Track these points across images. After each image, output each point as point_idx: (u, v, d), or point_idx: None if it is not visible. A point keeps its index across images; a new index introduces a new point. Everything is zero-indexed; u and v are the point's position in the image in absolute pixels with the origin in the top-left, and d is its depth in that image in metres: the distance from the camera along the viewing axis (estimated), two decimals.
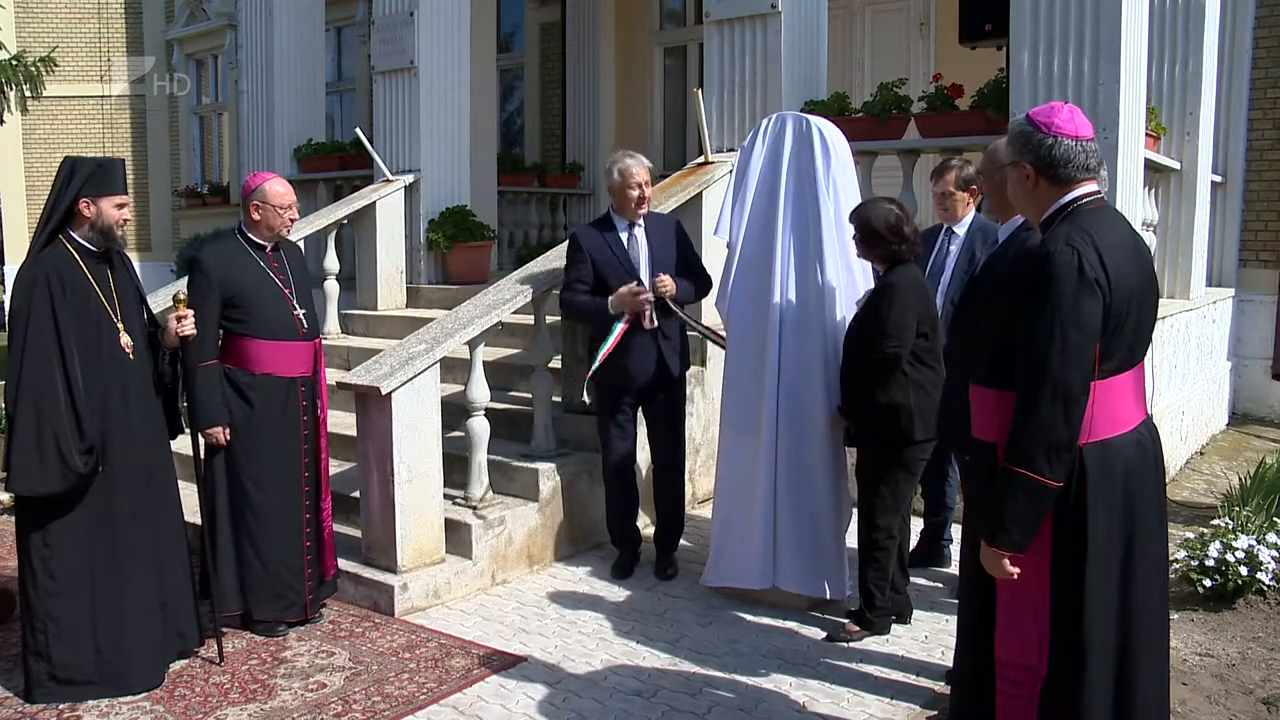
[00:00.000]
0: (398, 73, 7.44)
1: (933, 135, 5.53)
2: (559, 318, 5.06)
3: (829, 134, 4.02)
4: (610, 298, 4.15)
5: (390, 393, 4.00)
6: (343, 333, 6.96)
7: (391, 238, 7.25)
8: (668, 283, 4.19)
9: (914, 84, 6.93)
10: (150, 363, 3.42)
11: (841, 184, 3.96)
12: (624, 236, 4.31)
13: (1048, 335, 2.13)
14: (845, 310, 3.90)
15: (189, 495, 3.73)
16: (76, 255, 3.27)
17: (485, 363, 4.55)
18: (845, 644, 3.63)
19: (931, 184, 4.09)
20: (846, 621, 3.73)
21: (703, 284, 4.41)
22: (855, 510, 3.74)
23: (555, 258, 4.91)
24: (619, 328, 4.16)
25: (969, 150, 5.38)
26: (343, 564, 4.15)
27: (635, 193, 4.25)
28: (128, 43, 13.67)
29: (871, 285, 3.79)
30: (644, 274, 4.27)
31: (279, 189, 3.81)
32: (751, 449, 3.99)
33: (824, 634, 3.72)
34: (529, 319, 5.04)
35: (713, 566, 4.19)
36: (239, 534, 3.75)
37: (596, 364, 4.18)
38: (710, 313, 5.39)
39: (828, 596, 3.93)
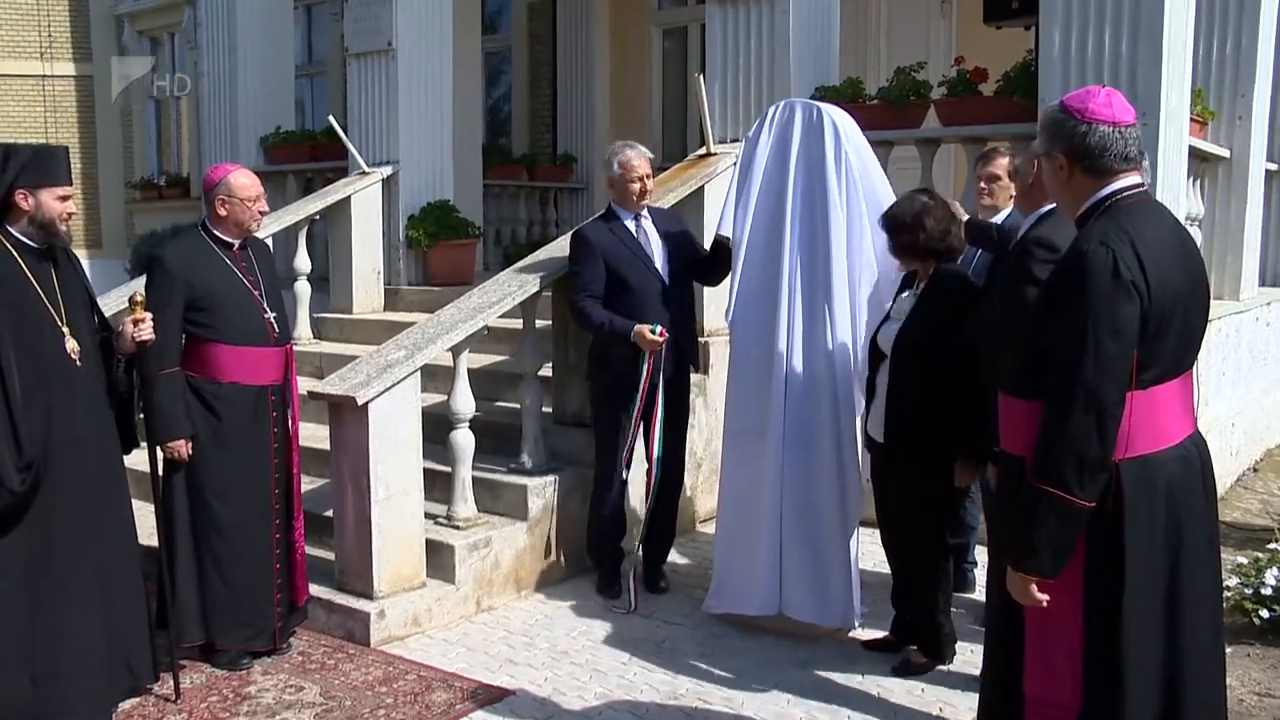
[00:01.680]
0: (374, 55, 7.44)
1: (954, 123, 5.53)
2: (549, 322, 5.06)
3: (842, 124, 4.02)
4: (632, 333, 4.17)
5: (367, 403, 3.99)
6: (315, 338, 6.96)
7: (368, 235, 7.24)
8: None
9: (934, 68, 6.93)
10: (101, 370, 3.36)
11: (859, 179, 3.95)
12: (632, 228, 4.36)
13: (1080, 342, 2.12)
14: (859, 321, 3.88)
15: (145, 515, 3.69)
16: (14, 252, 3.19)
17: (470, 370, 4.55)
18: (914, 678, 3.61)
19: (977, 167, 4.07)
20: (912, 650, 3.71)
21: (715, 265, 4.45)
22: (901, 535, 3.67)
23: (545, 257, 4.91)
24: (647, 368, 4.21)
25: (994, 139, 5.38)
26: (314, 589, 4.13)
27: (637, 185, 4.30)
28: (71, 17, 13.36)
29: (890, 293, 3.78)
30: (659, 265, 4.33)
31: (244, 181, 3.80)
32: (756, 466, 3.98)
33: (890, 667, 3.70)
34: (517, 323, 5.03)
35: (716, 592, 4.18)
36: (201, 555, 3.72)
37: (641, 383, 4.19)
38: (712, 319, 5.39)
39: (837, 627, 3.91)
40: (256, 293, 3.80)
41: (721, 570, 4.15)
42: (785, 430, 3.91)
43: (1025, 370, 2.31)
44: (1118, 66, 4.76)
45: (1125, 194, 2.27)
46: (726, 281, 4.29)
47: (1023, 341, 2.32)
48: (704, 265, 4.54)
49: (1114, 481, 2.21)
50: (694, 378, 5.23)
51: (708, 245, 5.12)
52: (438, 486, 4.58)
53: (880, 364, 3.62)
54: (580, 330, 4.59)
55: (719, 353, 5.22)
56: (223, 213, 3.79)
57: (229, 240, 3.82)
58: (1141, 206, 2.27)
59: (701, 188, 5.41)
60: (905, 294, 3.67)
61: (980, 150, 5.44)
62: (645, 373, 4.21)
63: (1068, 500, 2.15)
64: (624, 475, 4.41)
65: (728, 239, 4.20)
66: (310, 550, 4.36)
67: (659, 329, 4.17)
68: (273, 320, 3.81)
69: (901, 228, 3.53)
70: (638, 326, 4.19)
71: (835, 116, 4.03)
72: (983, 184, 3.95)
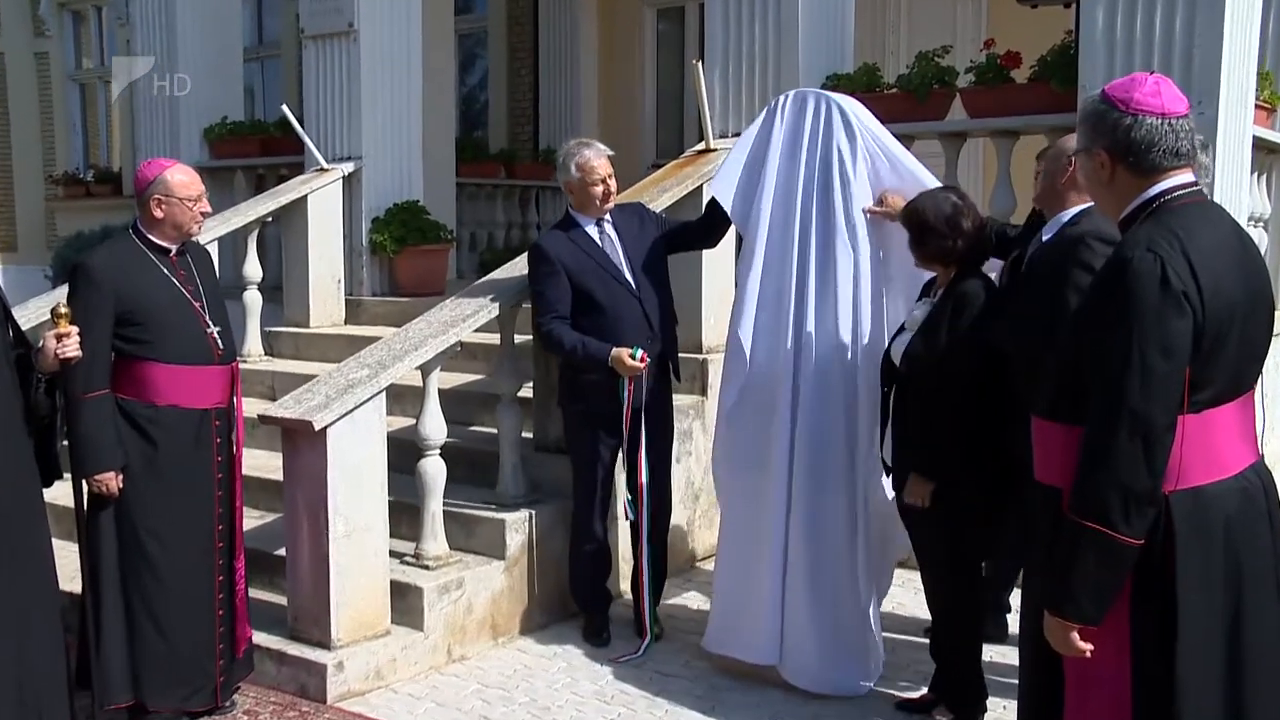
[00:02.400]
0: (333, 37, 7.45)
1: (983, 114, 5.55)
2: (529, 337, 5.04)
3: (857, 117, 4.03)
4: (610, 357, 4.17)
5: (325, 428, 3.98)
6: (266, 355, 6.94)
7: (326, 239, 7.24)
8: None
9: (960, 52, 6.95)
10: (17, 392, 3.25)
11: (884, 177, 3.96)
12: (595, 235, 4.35)
13: (1124, 360, 2.11)
14: (872, 333, 3.88)
15: (67, 558, 3.64)
16: None
17: (441, 391, 4.54)
18: None
19: (1038, 164, 4.06)
20: (938, 708, 3.69)
21: (712, 226, 4.49)
22: (939, 582, 3.66)
23: (525, 265, 4.90)
24: (627, 394, 4.20)
25: (1029, 133, 5.40)
26: (263, 639, 4.10)
27: (600, 188, 4.30)
28: None
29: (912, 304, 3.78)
30: (629, 275, 4.33)
31: (183, 178, 3.77)
32: (759, 499, 3.97)
33: None
34: (494, 338, 5.02)
35: (714, 629, 4.17)
36: (132, 603, 3.66)
37: (624, 408, 4.18)
38: (712, 333, 5.38)
39: (843, 693, 3.89)
40: (197, 304, 3.77)
41: (720, 610, 4.14)
42: (794, 459, 3.90)
43: (1063, 391, 2.30)
44: (1171, 48, 4.74)
45: (1176, 194, 2.26)
46: (730, 296, 4.29)
47: (1063, 355, 2.31)
48: (695, 233, 4.57)
49: (1164, 516, 2.19)
50: (691, 400, 5.24)
51: (708, 253, 5.13)
52: (404, 521, 4.56)
53: (894, 381, 3.64)
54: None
55: (718, 370, 5.21)
56: (159, 214, 3.76)
57: (165, 245, 3.79)
58: (1195, 208, 2.26)
59: (700, 187, 5.41)
60: (921, 302, 3.67)
61: (1011, 144, 5.49)
62: (626, 400, 4.20)
63: (1111, 537, 2.14)
64: (605, 509, 4.39)
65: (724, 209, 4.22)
66: (259, 594, 4.33)
67: (639, 353, 4.16)
68: (216, 335, 3.79)
69: (932, 231, 3.52)
70: (615, 350, 4.17)
71: (851, 110, 4.03)
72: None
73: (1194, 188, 2.29)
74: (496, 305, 4.64)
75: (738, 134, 5.78)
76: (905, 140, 5.62)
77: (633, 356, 4.15)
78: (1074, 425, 2.26)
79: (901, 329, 3.70)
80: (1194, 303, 2.13)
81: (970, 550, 3.56)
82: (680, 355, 4.71)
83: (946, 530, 3.50)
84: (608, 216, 4.38)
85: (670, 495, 4.61)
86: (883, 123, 4.24)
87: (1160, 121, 2.25)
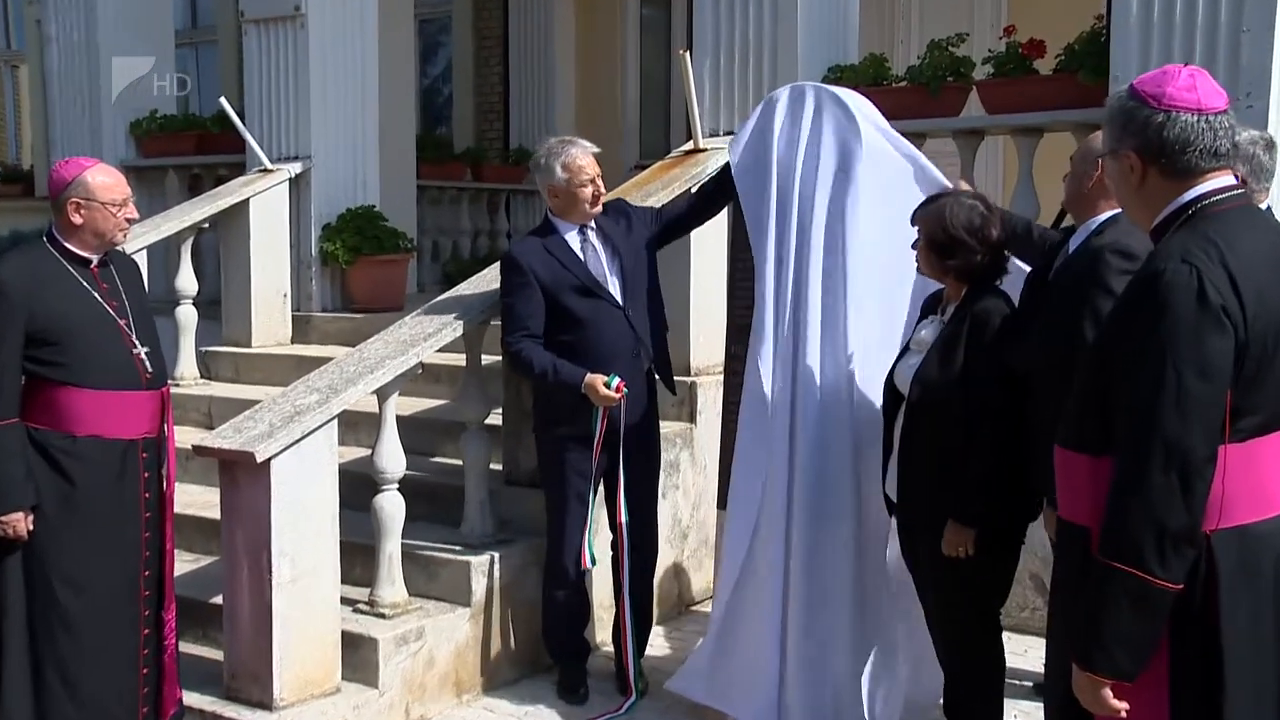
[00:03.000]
0: (278, 21, 7.46)
1: (1003, 110, 5.59)
2: (498, 358, 5.03)
3: (860, 112, 4.05)
4: (582, 384, 4.17)
5: (268, 460, 3.96)
6: (203, 378, 6.92)
7: (271, 248, 7.23)
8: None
9: (978, 40, 7.00)
10: None
11: (890, 179, 3.97)
12: (577, 244, 4.34)
13: (1157, 384, 2.12)
14: (881, 356, 3.90)
15: None
16: None
17: (400, 418, 4.53)
18: None
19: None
20: None
21: (705, 204, 4.57)
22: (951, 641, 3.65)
23: (495, 277, 4.90)
24: (599, 425, 4.20)
25: (1053, 130, 5.43)
26: (195, 700, 4.06)
27: (589, 190, 4.29)
28: None
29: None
30: (614, 284, 4.32)
31: (105, 180, 3.75)
32: (757, 539, 3.97)
33: None
34: (459, 359, 5.01)
35: (693, 673, 4.16)
36: (41, 659, 3.58)
37: (595, 443, 4.19)
38: (702, 352, 5.39)
39: None
40: (122, 322, 3.75)
41: (710, 654, 4.12)
42: (792, 495, 3.89)
43: (1088, 419, 2.30)
44: (1215, 34, 4.76)
45: (1214, 199, 2.27)
46: (721, 311, 4.29)
47: (1088, 379, 2.31)
48: (695, 211, 4.59)
49: (1205, 558, 2.19)
50: (678, 427, 5.24)
51: (696, 269, 5.11)
52: (358, 564, 4.54)
53: (898, 409, 3.62)
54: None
55: (710, 395, 5.22)
56: (77, 220, 3.74)
57: (85, 255, 3.77)
58: (1237, 214, 2.26)
59: (688, 190, 5.41)
60: (928, 320, 3.66)
61: (1034, 143, 5.53)
62: (599, 429, 4.20)
63: (1146, 582, 2.14)
64: (582, 549, 4.38)
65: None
66: (190, 648, 4.30)
67: (615, 381, 4.15)
68: (144, 357, 3.76)
69: (960, 245, 3.49)
70: (589, 378, 4.16)
71: (855, 105, 4.05)
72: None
73: (1235, 191, 2.29)
74: (462, 322, 4.63)
75: (730, 132, 5.80)
76: (916, 139, 5.65)
77: (607, 385, 4.15)
78: (1100, 456, 2.26)
79: (905, 350, 3.69)
80: (1235, 319, 2.13)
81: (989, 596, 3.56)
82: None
83: (962, 576, 3.49)
84: (592, 222, 4.38)
85: (657, 533, 4.60)
86: (890, 120, 4.27)
87: (1196, 118, 2.25)
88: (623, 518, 4.29)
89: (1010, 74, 5.56)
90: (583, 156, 4.28)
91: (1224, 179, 2.29)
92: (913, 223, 3.63)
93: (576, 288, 4.26)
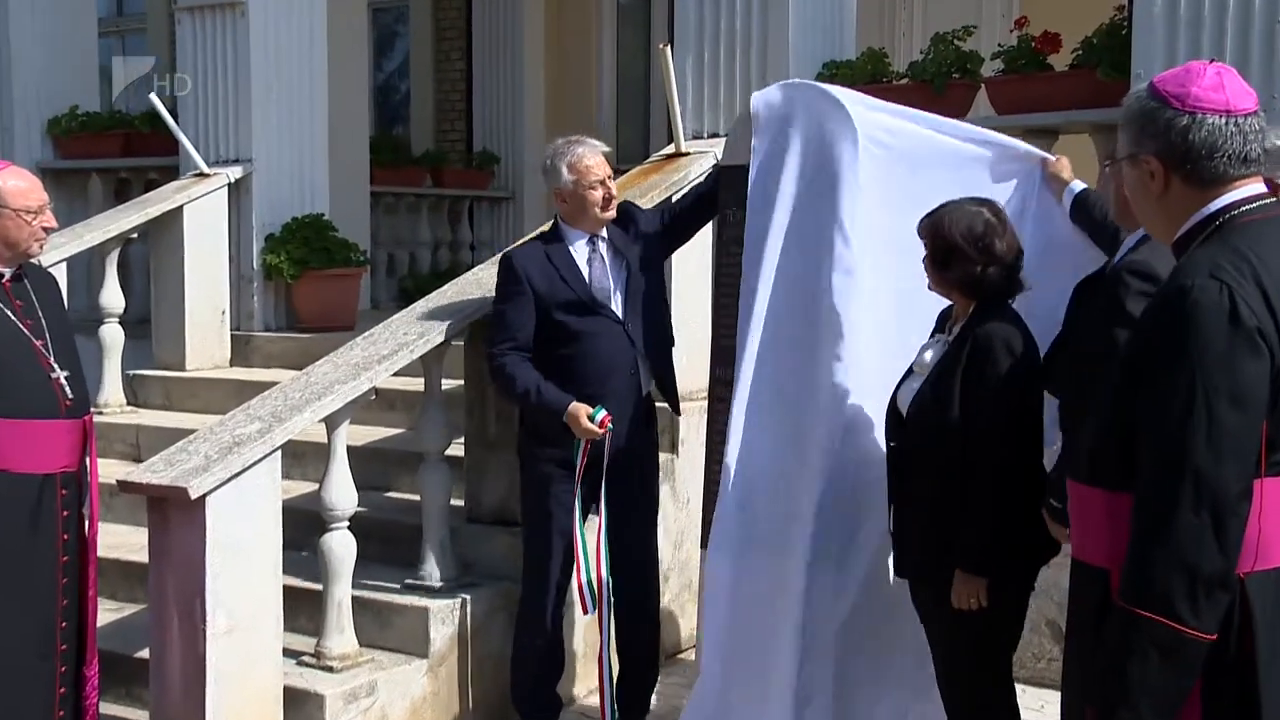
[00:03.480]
0: (215, 9, 7.46)
1: (1014, 109, 5.62)
2: (460, 382, 5.02)
3: (859, 107, 4.07)
4: (564, 414, 4.18)
5: (204, 496, 3.94)
6: (130, 405, 6.88)
7: (207, 261, 7.21)
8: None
9: (986, 33, 7.05)
10: None
11: (901, 177, 3.99)
12: (582, 255, 4.36)
13: (1185, 413, 2.11)
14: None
15: None
16: None
17: (351, 449, 4.52)
18: None
19: (1104, 169, 4.09)
20: None
21: (706, 206, 4.61)
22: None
23: (457, 294, 4.90)
24: (580, 460, 4.22)
25: (1070, 131, 5.47)
26: None
27: (598, 193, 4.31)
28: None
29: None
30: (619, 302, 4.34)
31: (18, 184, 3.74)
32: (768, 591, 3.95)
33: None
34: (417, 384, 5.00)
35: None
36: None
37: (576, 475, 4.19)
38: (686, 376, 5.39)
39: None
40: (39, 343, 3.74)
41: (712, 710, 4.08)
42: (815, 541, 3.88)
43: (1106, 449, 2.31)
44: (1249, 25, 4.79)
45: (1244, 209, 2.28)
46: (705, 332, 4.31)
47: (1105, 406, 2.32)
48: (696, 213, 4.64)
49: (1240, 603, 2.20)
50: (660, 459, 5.23)
51: (679, 288, 5.12)
52: (303, 612, 4.52)
53: (900, 436, 3.64)
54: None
55: (694, 423, 5.22)
56: None
57: None
58: (1269, 225, 2.26)
59: (669, 198, 5.43)
60: (934, 340, 3.67)
61: (1049, 146, 5.55)
62: (580, 462, 4.21)
63: (1177, 631, 2.13)
64: (562, 593, 4.37)
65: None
66: (115, 709, 4.27)
67: (601, 414, 4.16)
68: (63, 381, 3.75)
69: (957, 253, 3.50)
70: (572, 406, 4.17)
71: (849, 100, 4.07)
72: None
73: (1267, 200, 2.30)
74: (421, 343, 4.62)
75: (714, 134, 5.84)
76: None
77: (591, 418, 4.15)
78: (1117, 491, 2.26)
79: (909, 373, 3.70)
80: (1271, 341, 2.14)
81: (1000, 648, 3.56)
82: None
83: (969, 628, 3.49)
84: (603, 231, 4.39)
85: (656, 575, 4.57)
86: None
87: (1224, 120, 2.26)
88: (601, 572, 4.26)
89: (1022, 70, 5.61)
90: (591, 156, 4.31)
91: (1254, 187, 2.30)
92: (919, 233, 3.64)
93: (573, 303, 4.28)
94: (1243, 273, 2.15)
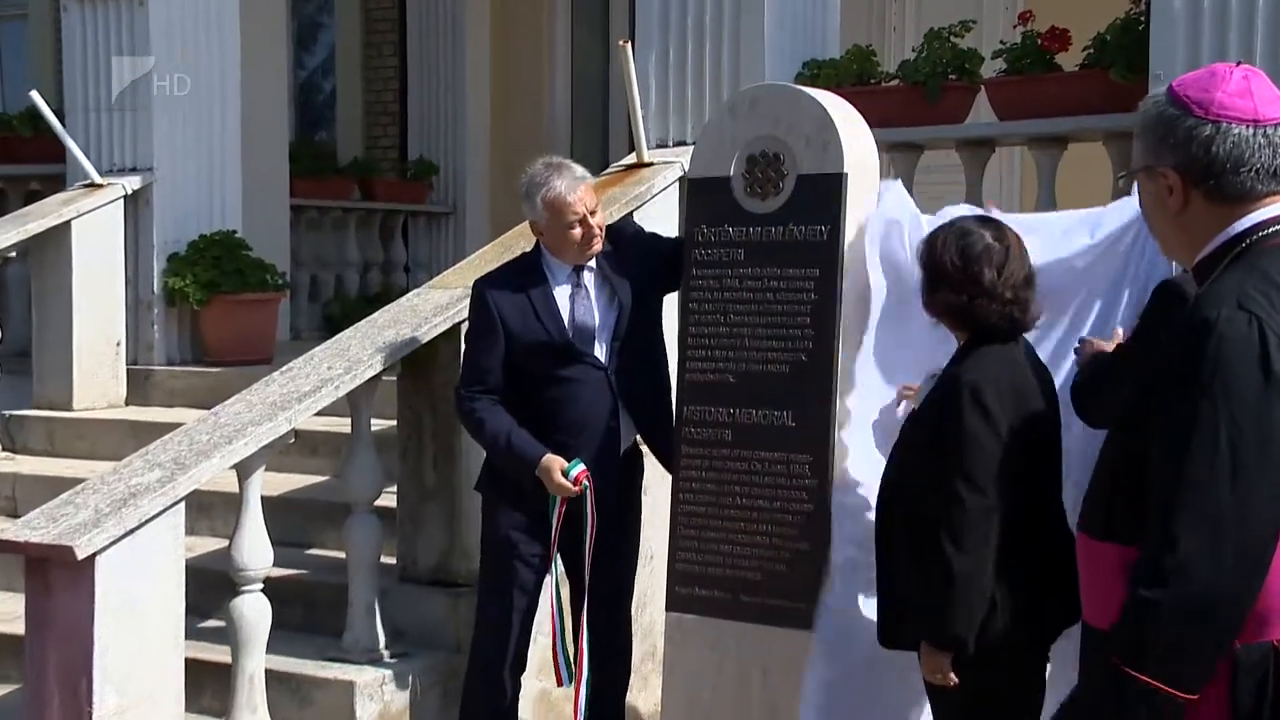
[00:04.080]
0: None
1: (1017, 114, 5.68)
2: (393, 422, 5.01)
3: (854, 139, 4.12)
4: (538, 467, 4.19)
5: (93, 556, 3.90)
6: (6, 450, 6.84)
7: (100, 285, 7.18)
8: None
9: (987, 30, 7.13)
10: None
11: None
12: (561, 290, 4.34)
13: (1207, 459, 2.14)
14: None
15: None
16: None
17: (267, 500, 4.50)
18: None
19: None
20: None
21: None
22: None
23: (390, 323, 4.89)
24: (556, 519, 4.22)
25: (1080, 139, 5.53)
26: None
27: (577, 232, 4.28)
28: None
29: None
30: (602, 344, 4.34)
31: None
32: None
33: None
34: (343, 424, 5.00)
35: None
36: None
37: (551, 537, 4.21)
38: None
39: None
40: None
41: None
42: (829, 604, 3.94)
43: (1119, 498, 2.34)
44: (1278, 20, 4.86)
45: (1273, 229, 2.30)
46: (671, 366, 4.33)
47: (1119, 449, 2.34)
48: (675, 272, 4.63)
49: (1275, 674, 2.22)
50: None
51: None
52: (208, 688, 4.49)
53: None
54: (460, 432, 4.59)
55: (659, 468, 5.21)
56: None
57: None
58: None
59: (630, 215, 5.45)
60: (932, 378, 3.70)
61: (1057, 156, 5.62)
62: (556, 521, 4.21)
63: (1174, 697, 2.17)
64: (519, 663, 4.35)
65: None
66: None
67: (576, 470, 4.18)
68: None
69: (942, 277, 3.53)
70: (546, 458, 4.18)
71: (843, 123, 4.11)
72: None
73: None
74: (348, 378, 4.61)
75: (681, 142, 5.86)
76: (910, 150, 5.77)
77: (566, 474, 4.16)
78: (1132, 546, 2.28)
79: (911, 413, 3.74)
80: None
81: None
82: None
83: (957, 711, 3.50)
84: (591, 262, 4.39)
85: (630, 641, 4.56)
86: (879, 128, 4.32)
87: (1251, 131, 2.29)
88: (584, 643, 4.26)
89: (1027, 71, 5.66)
90: (570, 191, 4.25)
91: None
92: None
93: (548, 346, 4.26)
94: (1273, 302, 2.17)
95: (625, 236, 4.59)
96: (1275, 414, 2.14)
